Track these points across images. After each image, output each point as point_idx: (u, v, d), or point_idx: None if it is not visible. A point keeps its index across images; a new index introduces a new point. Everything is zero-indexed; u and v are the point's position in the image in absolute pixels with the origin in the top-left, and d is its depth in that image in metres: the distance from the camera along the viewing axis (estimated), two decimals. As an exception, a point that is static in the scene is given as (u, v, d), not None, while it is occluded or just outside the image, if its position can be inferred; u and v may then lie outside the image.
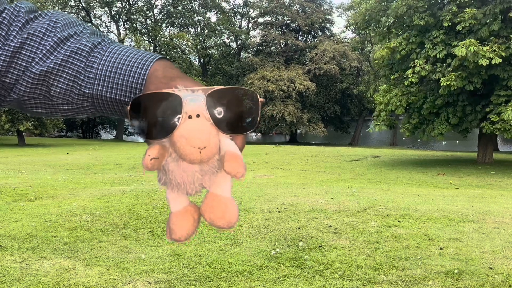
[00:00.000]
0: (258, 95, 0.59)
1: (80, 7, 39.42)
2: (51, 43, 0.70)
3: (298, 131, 43.66)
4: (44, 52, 0.70)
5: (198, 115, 0.56)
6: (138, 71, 0.68)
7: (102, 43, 0.72)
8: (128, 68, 0.68)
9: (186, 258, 3.88)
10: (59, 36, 0.71)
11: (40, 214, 5.45)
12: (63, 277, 3.43)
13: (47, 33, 0.71)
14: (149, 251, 4.09)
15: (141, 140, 0.59)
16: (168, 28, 44.16)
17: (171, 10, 42.40)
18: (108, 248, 4.17)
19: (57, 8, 35.89)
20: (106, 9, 40.71)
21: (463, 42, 13.40)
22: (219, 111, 0.57)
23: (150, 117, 0.57)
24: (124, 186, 8.35)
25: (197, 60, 44.88)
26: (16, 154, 19.04)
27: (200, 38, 42.55)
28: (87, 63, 0.70)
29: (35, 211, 5.65)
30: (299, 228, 4.86)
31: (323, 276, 3.51)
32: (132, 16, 40.76)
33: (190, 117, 0.55)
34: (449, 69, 14.08)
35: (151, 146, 0.57)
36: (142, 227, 4.90)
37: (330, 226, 4.95)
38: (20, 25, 0.71)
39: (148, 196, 6.64)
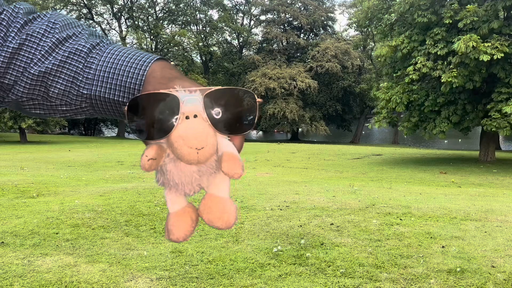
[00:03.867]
0: (256, 95, 0.59)
1: (82, 4, 39.42)
2: (50, 44, 0.70)
3: (300, 129, 43.65)
4: (42, 53, 0.70)
5: (195, 116, 0.55)
6: (136, 72, 0.67)
7: (101, 44, 0.72)
8: (127, 69, 0.68)
9: (188, 255, 3.88)
10: (57, 37, 0.71)
11: (42, 211, 5.46)
12: (65, 274, 3.44)
13: (46, 34, 0.71)
14: (151, 248, 4.09)
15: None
16: (170, 26, 44.16)
17: (173, 7, 42.36)
18: (110, 245, 4.17)
19: (58, 6, 35.91)
20: (108, 6, 40.69)
21: (463, 37, 13.35)
22: (217, 112, 0.56)
23: (147, 118, 0.56)
24: (126, 183, 8.36)
25: (199, 57, 44.88)
26: (18, 151, 19.08)
27: (202, 36, 42.53)
28: (85, 64, 0.70)
29: (37, 208, 5.67)
30: (300, 226, 4.86)
31: (325, 273, 3.51)
32: (134, 14, 40.73)
33: (187, 117, 0.55)
34: (450, 66, 14.05)
35: (149, 147, 0.56)
36: (144, 224, 4.91)
37: (332, 224, 4.95)
38: (18, 26, 0.71)
39: (150, 193, 6.65)
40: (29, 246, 4.09)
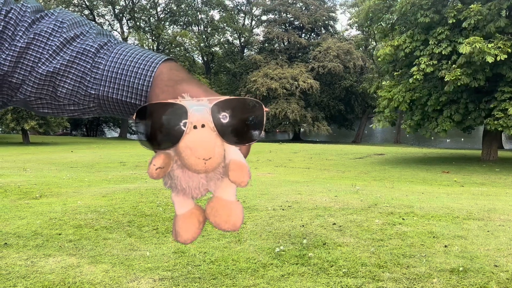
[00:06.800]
0: (263, 105, 0.59)
1: (83, 5, 39.50)
2: (58, 44, 0.70)
3: (302, 129, 43.65)
4: (50, 52, 0.70)
5: (203, 125, 0.56)
6: (144, 72, 0.67)
7: (109, 44, 0.72)
8: (134, 70, 0.68)
9: (191, 255, 3.88)
10: (65, 36, 0.71)
11: (45, 212, 5.48)
12: (68, 275, 3.45)
13: (54, 33, 0.71)
14: (153, 248, 4.10)
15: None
16: (172, 27, 44.23)
17: (174, 8, 42.43)
18: (113, 246, 4.18)
19: (60, 6, 35.95)
20: (110, 7, 40.78)
21: (467, 39, 13.34)
22: (224, 121, 0.57)
23: (155, 127, 0.57)
24: (128, 184, 8.37)
25: (201, 58, 44.95)
26: (20, 152, 19.12)
27: (203, 36, 42.58)
28: (93, 64, 0.70)
29: (40, 209, 5.68)
30: (303, 225, 4.86)
31: (328, 273, 3.51)
32: (136, 15, 40.80)
33: (195, 127, 0.55)
34: (454, 65, 14.04)
35: (156, 156, 0.57)
36: (146, 225, 4.91)
37: (334, 223, 4.95)
38: (26, 25, 0.71)
39: (153, 194, 6.66)
40: (32, 247, 4.10)
